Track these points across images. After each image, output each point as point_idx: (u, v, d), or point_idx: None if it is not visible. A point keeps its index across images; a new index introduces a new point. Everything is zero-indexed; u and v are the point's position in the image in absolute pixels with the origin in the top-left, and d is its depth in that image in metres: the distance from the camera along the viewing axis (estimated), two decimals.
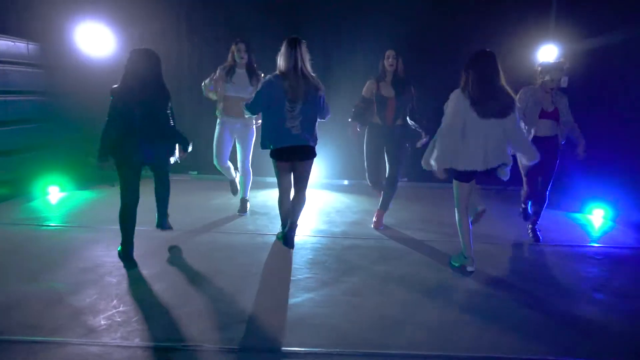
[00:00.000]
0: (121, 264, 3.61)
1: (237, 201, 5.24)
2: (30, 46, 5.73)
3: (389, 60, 4.49)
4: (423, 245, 4.32)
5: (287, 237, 4.06)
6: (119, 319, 2.81)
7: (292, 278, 3.52)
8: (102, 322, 2.77)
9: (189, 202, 5.55)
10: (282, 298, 3.19)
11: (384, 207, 4.78)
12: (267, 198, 5.84)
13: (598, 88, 6.16)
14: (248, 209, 5.20)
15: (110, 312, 2.90)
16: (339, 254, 4.03)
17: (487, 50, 3.56)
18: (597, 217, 5.48)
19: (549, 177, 4.46)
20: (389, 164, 4.66)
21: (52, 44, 6.01)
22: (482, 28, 6.40)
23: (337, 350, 2.56)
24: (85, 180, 6.12)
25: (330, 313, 2.98)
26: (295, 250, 4.05)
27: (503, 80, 3.50)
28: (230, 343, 2.60)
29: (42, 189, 5.68)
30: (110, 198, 5.66)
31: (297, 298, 3.18)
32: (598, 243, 4.63)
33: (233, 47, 4.75)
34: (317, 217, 5.13)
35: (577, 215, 5.59)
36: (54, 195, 5.70)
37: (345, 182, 6.96)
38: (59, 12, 5.94)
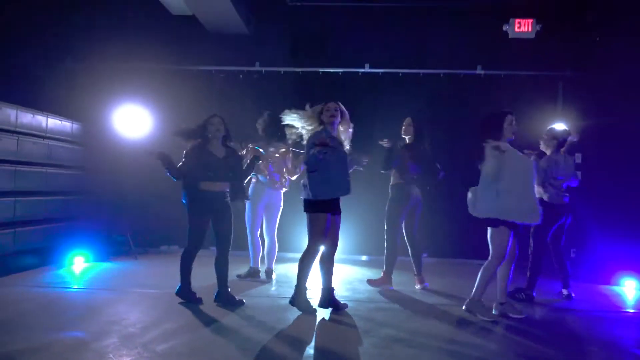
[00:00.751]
0: (145, 317, 3.62)
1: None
2: (74, 125, 6.22)
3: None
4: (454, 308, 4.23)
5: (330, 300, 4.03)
6: None
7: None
8: None
9: None
10: None
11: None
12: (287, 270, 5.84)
13: (611, 162, 6.33)
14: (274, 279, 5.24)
15: (133, 357, 2.87)
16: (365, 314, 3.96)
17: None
18: (626, 287, 5.32)
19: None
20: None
21: (93, 124, 6.54)
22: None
23: None
24: (108, 253, 6.28)
25: None
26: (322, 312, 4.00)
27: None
28: None
29: (69, 259, 5.80)
30: (132, 267, 5.81)
31: None
32: (632, 309, 4.47)
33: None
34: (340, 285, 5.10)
35: (607, 287, 5.43)
36: (79, 264, 5.81)
37: (364, 257, 6.96)
38: (101, 95, 6.51)
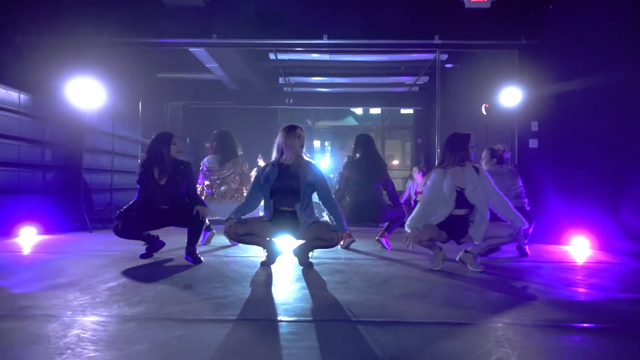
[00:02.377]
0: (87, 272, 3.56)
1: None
2: (22, 96, 6.09)
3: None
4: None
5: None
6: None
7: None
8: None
9: None
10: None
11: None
12: None
13: (566, 128, 6.41)
14: None
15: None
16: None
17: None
18: (577, 246, 5.40)
19: None
20: None
21: (45, 96, 6.43)
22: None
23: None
24: (61, 226, 6.18)
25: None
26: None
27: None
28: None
29: (19, 230, 5.68)
30: (84, 238, 5.72)
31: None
32: (579, 261, 4.54)
33: None
34: None
35: (557, 246, 5.51)
36: (30, 235, 5.69)
37: None
38: (53, 68, 6.40)
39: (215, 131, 5.51)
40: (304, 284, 3.32)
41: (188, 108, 13.66)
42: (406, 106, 14.90)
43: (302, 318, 2.50)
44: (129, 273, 3.57)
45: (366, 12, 7.07)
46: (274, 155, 3.91)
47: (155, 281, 3.31)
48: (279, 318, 2.50)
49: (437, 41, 6.97)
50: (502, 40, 6.95)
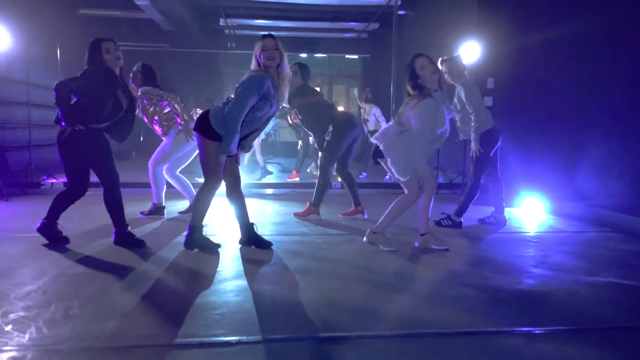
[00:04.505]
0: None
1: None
2: None
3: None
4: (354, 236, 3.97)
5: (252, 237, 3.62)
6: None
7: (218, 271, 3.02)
8: None
9: None
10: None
11: None
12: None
13: (523, 85, 6.25)
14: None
15: None
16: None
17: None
18: (529, 209, 5.38)
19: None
20: None
21: None
22: None
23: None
24: None
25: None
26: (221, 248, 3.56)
27: None
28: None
29: None
30: None
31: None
32: (532, 230, 4.48)
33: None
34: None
35: (510, 209, 5.46)
36: None
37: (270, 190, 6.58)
38: None
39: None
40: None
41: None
42: (354, 53, 14.34)
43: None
44: (56, 266, 3.03)
45: None
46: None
47: (88, 280, 2.81)
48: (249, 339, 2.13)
49: None
50: None
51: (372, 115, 8.14)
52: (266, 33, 3.49)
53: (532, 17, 6.01)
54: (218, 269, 3.06)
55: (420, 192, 3.58)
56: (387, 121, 8.40)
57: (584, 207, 5.00)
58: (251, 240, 3.60)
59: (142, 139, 9.82)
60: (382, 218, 3.69)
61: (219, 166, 3.34)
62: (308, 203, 4.77)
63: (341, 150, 4.68)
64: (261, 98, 3.29)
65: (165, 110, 4.54)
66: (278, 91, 3.42)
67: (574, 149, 5.40)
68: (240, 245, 3.61)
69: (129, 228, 3.59)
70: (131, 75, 4.53)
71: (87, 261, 3.18)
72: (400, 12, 9.51)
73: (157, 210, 4.68)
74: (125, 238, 3.54)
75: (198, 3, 10.00)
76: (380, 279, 2.98)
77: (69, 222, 3.82)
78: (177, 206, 4.96)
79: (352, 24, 11.35)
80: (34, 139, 7.18)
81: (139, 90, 4.53)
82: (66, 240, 3.55)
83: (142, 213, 4.66)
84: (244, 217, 3.61)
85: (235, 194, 3.57)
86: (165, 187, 4.70)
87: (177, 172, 4.72)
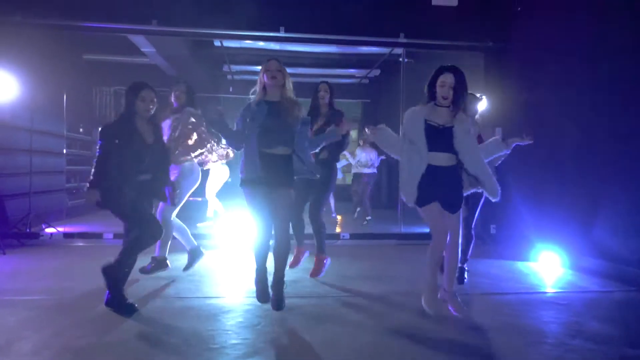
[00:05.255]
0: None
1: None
2: None
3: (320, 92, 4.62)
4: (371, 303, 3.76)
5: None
6: None
7: (215, 345, 2.80)
8: None
9: None
10: None
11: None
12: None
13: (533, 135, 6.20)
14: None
15: None
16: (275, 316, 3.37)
17: None
18: (546, 264, 5.21)
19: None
20: None
21: None
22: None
23: None
24: None
25: None
26: (222, 313, 3.34)
27: None
28: None
29: None
30: None
31: None
32: (554, 289, 4.29)
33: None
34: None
35: (526, 263, 5.30)
36: None
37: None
38: None
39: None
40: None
41: (120, 93, 12.35)
42: (354, 98, 14.46)
43: None
44: (59, 337, 2.79)
45: (329, 4, 6.41)
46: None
47: (95, 355, 2.58)
48: None
49: (402, 40, 6.50)
50: (469, 42, 6.63)
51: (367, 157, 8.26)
52: (271, 57, 3.61)
53: (540, 71, 6.04)
54: (232, 342, 2.84)
55: (442, 236, 3.22)
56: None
57: (605, 263, 4.84)
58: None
59: None
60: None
61: None
62: (316, 257, 4.43)
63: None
64: (250, 120, 3.33)
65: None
66: (284, 109, 3.38)
67: (591, 200, 5.27)
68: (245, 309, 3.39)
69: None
70: (174, 94, 4.36)
71: (92, 329, 2.95)
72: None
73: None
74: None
75: (204, 51, 10.08)
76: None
77: (70, 282, 3.60)
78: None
79: (353, 71, 11.47)
80: (34, 186, 7.00)
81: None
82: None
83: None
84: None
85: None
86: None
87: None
